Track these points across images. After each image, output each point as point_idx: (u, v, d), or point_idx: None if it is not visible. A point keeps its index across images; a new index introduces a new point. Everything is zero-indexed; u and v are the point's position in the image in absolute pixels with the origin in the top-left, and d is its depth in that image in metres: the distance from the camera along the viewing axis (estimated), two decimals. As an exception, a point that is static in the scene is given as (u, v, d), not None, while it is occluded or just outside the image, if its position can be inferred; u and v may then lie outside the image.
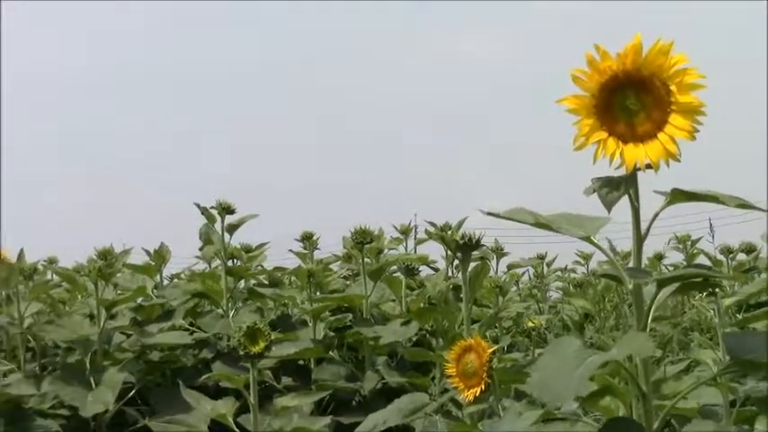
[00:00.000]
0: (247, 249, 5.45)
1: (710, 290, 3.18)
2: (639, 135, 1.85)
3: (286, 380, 4.43)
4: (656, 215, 1.94)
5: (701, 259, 6.26)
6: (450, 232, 5.12)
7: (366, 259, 4.62)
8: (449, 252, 5.32)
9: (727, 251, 5.63)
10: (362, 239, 4.43)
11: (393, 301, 4.79)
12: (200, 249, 4.96)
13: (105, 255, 4.82)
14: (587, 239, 1.98)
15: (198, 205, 4.64)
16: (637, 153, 1.84)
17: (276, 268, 5.45)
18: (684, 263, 6.23)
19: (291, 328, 4.62)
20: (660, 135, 1.83)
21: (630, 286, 1.95)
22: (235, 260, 5.22)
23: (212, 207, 4.64)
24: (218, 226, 4.69)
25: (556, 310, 5.64)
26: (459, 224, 5.11)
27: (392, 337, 4.23)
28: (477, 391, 2.43)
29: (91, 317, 4.45)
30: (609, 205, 1.87)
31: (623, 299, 4.15)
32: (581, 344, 1.89)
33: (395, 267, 4.75)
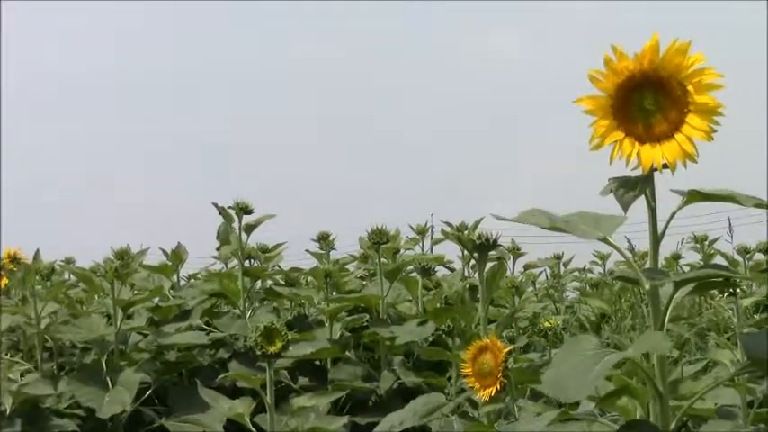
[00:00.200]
0: (264, 249, 5.44)
1: (728, 290, 3.18)
2: (656, 135, 1.84)
3: (302, 380, 4.42)
4: (673, 215, 1.94)
5: (718, 259, 6.25)
6: (466, 232, 5.11)
7: (382, 259, 4.61)
8: (465, 252, 5.31)
9: (745, 251, 5.62)
10: (379, 240, 4.43)
11: (409, 301, 4.79)
12: (218, 249, 4.97)
13: (122, 255, 4.82)
14: (604, 240, 1.98)
15: (216, 205, 4.64)
16: (653, 154, 1.84)
17: (293, 269, 5.44)
18: (701, 263, 6.21)
19: (308, 328, 4.62)
20: (677, 135, 1.83)
21: (647, 287, 1.94)
22: (252, 260, 5.22)
23: (230, 207, 4.64)
24: (235, 226, 4.70)
25: (572, 311, 5.63)
26: (476, 224, 5.10)
27: (408, 336, 4.23)
28: (493, 390, 2.44)
29: (108, 317, 4.46)
30: (625, 205, 1.87)
31: (640, 299, 4.15)
32: (598, 342, 1.89)
33: (411, 267, 4.75)
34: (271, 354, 2.98)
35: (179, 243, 5.35)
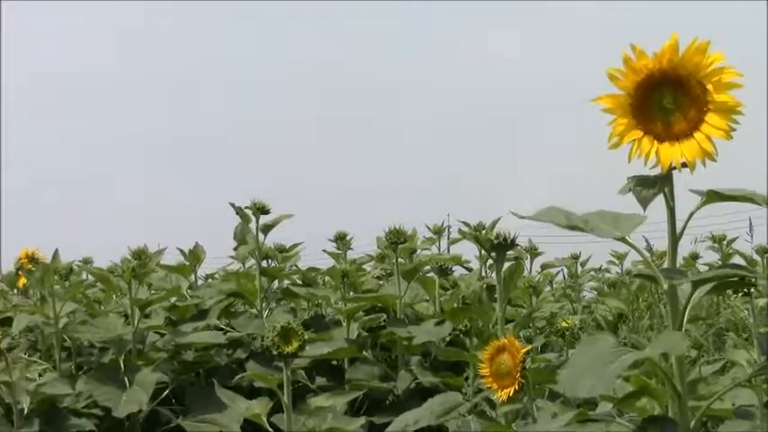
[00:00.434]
0: (281, 249, 5.45)
1: (746, 290, 3.17)
2: (675, 134, 1.84)
3: (320, 380, 4.42)
4: (692, 215, 1.94)
5: (736, 259, 6.22)
6: (484, 232, 5.10)
7: (399, 259, 4.61)
8: (482, 252, 5.31)
9: (763, 251, 5.60)
10: (396, 239, 4.43)
11: (427, 301, 4.78)
12: (235, 249, 4.97)
13: (139, 255, 4.83)
14: (623, 240, 1.97)
15: (233, 205, 4.64)
16: (672, 152, 1.83)
17: (310, 268, 5.44)
18: (719, 262, 6.19)
19: (325, 327, 4.61)
20: (696, 134, 1.83)
21: (666, 286, 1.94)
22: (269, 260, 5.22)
23: (247, 207, 4.64)
24: (252, 226, 4.70)
25: (590, 311, 5.62)
26: (494, 224, 5.08)
27: (426, 336, 4.22)
28: (511, 391, 2.43)
29: (125, 316, 4.46)
30: (644, 204, 1.86)
31: (658, 299, 4.14)
32: (615, 341, 1.89)
33: (428, 267, 4.74)
34: (287, 354, 2.98)
35: (197, 243, 5.34)
